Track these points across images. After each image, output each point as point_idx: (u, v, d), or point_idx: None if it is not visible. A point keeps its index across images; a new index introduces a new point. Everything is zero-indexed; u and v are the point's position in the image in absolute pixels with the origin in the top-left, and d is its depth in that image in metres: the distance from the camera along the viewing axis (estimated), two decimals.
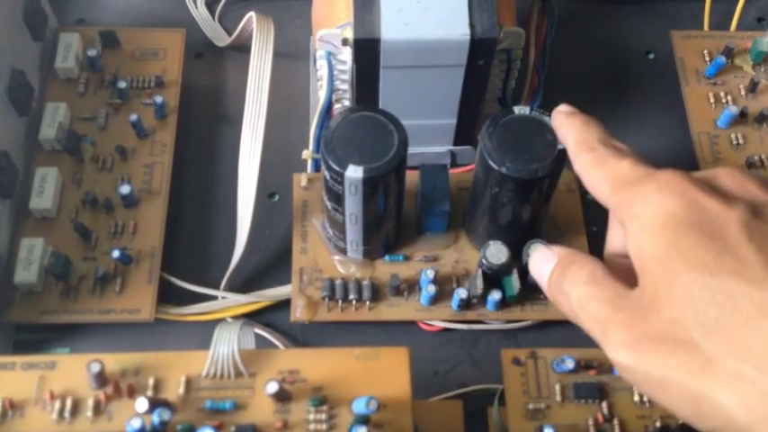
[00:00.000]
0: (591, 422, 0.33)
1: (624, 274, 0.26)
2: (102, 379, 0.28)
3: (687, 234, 0.24)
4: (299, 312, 0.38)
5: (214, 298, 0.40)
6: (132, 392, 0.28)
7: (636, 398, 0.34)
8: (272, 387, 0.27)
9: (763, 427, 0.22)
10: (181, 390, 0.28)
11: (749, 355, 0.22)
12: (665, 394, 0.24)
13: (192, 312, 0.39)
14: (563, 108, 0.32)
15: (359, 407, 0.27)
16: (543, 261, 0.29)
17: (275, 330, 0.40)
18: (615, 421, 0.33)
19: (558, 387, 0.34)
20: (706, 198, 0.24)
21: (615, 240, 0.29)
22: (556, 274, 0.28)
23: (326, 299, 0.38)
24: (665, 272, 0.24)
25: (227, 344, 0.29)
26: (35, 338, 0.39)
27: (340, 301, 0.38)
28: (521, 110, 0.35)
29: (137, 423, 0.26)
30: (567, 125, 0.31)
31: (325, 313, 0.38)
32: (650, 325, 0.24)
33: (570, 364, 0.34)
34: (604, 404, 0.34)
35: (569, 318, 0.27)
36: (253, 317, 0.40)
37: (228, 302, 0.40)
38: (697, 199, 0.24)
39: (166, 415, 0.27)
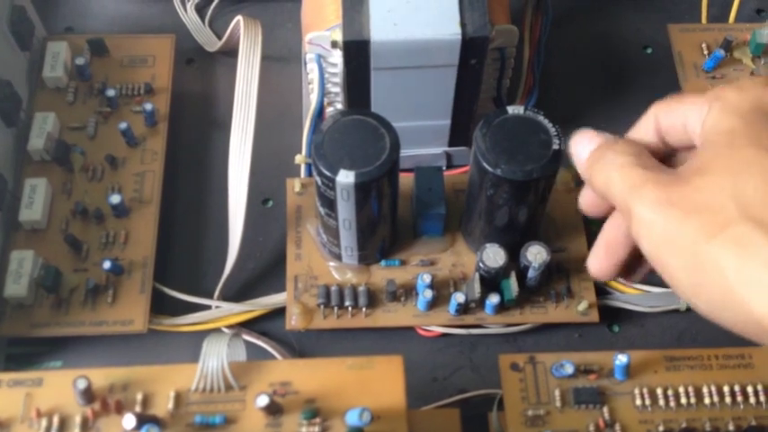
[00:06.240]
0: (592, 428, 0.32)
1: None
2: (88, 395, 0.27)
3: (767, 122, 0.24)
4: (294, 321, 0.38)
5: (208, 307, 0.39)
6: (120, 409, 0.28)
7: (638, 402, 0.33)
8: (263, 400, 0.27)
9: (750, 289, 0.22)
10: (170, 405, 0.28)
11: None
12: (670, 253, 0.24)
13: (186, 323, 0.39)
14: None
15: (352, 419, 0.27)
16: (586, 140, 0.28)
17: (271, 339, 0.39)
18: (617, 426, 0.32)
19: (557, 392, 0.33)
20: None
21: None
22: (601, 148, 0.28)
23: (322, 306, 0.38)
24: (730, 144, 0.24)
25: (217, 357, 0.28)
26: (27, 352, 0.38)
27: (336, 308, 0.38)
28: (514, 110, 0.34)
29: None
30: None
31: (321, 321, 0.38)
32: (690, 188, 0.24)
33: (570, 369, 0.33)
34: (605, 409, 0.33)
35: (597, 188, 0.27)
36: (248, 326, 0.39)
37: (223, 312, 0.39)
38: None
39: (155, 431, 0.26)
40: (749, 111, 0.25)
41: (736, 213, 0.23)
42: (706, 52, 0.46)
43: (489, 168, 0.33)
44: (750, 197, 0.23)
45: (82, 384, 0.27)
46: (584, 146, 0.28)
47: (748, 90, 0.25)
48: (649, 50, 0.49)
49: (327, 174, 0.33)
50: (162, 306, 0.39)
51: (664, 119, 0.28)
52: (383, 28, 0.35)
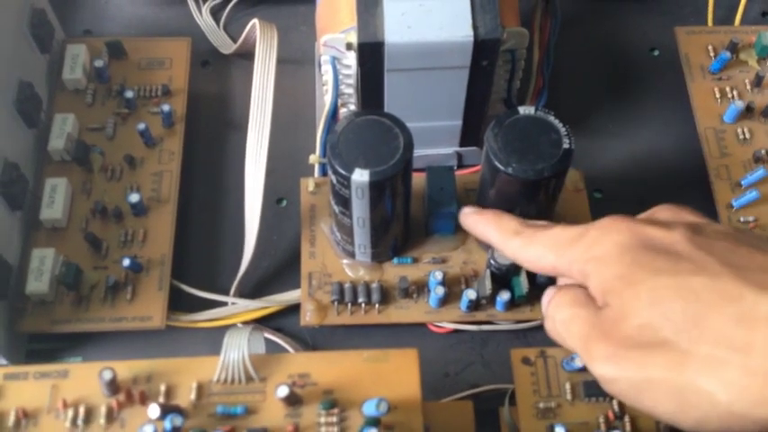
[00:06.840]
0: (602, 420, 0.33)
1: None
2: (114, 386, 0.28)
3: (643, 253, 0.26)
4: (308, 316, 0.38)
5: (224, 304, 0.40)
6: (144, 399, 0.28)
7: None
8: (283, 391, 0.28)
9: (743, 404, 0.23)
10: (192, 395, 0.29)
11: (720, 338, 0.23)
12: (649, 397, 0.25)
13: (203, 319, 0.40)
14: (467, 210, 0.35)
15: (369, 409, 0.28)
16: (545, 298, 0.30)
17: (286, 335, 0.40)
18: (626, 419, 0.33)
19: (568, 386, 0.34)
20: (649, 228, 0.27)
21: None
22: (547, 306, 0.30)
23: (336, 302, 0.38)
24: (628, 285, 0.26)
25: (238, 349, 0.29)
26: (47, 348, 0.39)
27: (349, 305, 0.38)
28: (525, 110, 0.35)
29: (149, 429, 0.26)
30: (482, 222, 0.33)
31: (334, 317, 0.38)
32: (624, 334, 0.25)
33: (580, 363, 0.34)
34: (615, 402, 0.33)
35: (559, 342, 0.29)
36: (263, 322, 0.40)
37: (239, 308, 0.40)
38: (641, 229, 0.27)
39: (178, 421, 0.27)
40: (621, 252, 0.26)
41: (684, 340, 0.24)
42: (712, 54, 0.46)
43: (501, 167, 0.34)
44: (683, 321, 0.24)
45: (108, 375, 0.28)
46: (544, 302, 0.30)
47: (607, 242, 0.27)
48: (656, 52, 0.49)
49: (343, 172, 0.34)
50: (179, 303, 0.40)
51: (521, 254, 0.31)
52: (397, 30, 0.36)
